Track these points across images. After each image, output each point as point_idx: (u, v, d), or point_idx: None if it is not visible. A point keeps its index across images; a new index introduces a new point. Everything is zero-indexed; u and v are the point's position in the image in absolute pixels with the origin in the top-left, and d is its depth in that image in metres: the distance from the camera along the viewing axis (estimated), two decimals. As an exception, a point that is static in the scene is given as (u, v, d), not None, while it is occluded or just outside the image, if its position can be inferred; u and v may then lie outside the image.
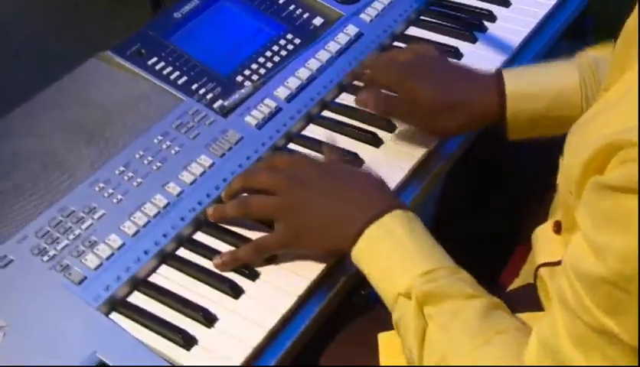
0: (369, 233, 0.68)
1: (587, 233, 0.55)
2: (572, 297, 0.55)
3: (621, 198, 0.51)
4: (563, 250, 0.69)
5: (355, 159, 0.82)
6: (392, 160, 0.83)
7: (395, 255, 0.67)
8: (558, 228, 0.73)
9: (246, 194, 0.75)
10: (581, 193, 0.57)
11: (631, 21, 0.65)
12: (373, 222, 0.68)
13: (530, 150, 0.96)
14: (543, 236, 0.75)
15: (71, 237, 0.71)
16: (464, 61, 0.95)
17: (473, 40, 0.98)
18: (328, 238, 0.71)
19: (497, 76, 0.81)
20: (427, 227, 0.70)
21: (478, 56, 0.96)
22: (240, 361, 0.64)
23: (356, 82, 0.91)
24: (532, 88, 0.80)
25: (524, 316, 0.73)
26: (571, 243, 0.58)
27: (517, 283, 0.83)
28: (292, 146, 0.85)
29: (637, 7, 0.64)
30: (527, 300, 0.74)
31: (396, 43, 0.99)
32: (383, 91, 0.84)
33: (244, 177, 0.76)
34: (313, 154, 0.81)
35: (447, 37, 0.99)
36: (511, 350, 0.60)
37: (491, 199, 1.03)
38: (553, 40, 1.04)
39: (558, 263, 0.70)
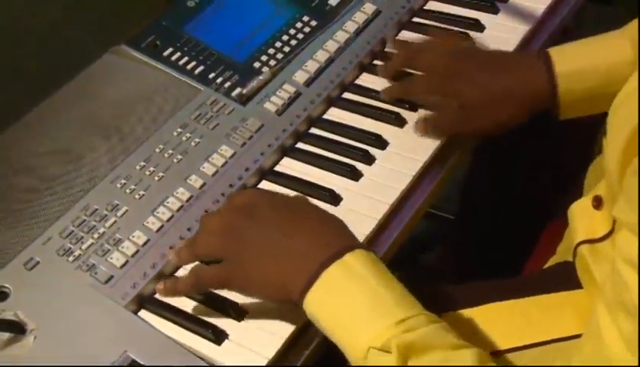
0: (327, 275, 0.59)
1: (629, 220, 0.50)
2: (627, 295, 0.49)
3: None
4: (605, 226, 0.67)
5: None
6: (417, 139, 0.81)
7: (361, 301, 0.58)
8: (598, 203, 0.70)
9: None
10: (622, 175, 0.54)
11: None
12: (333, 261, 0.59)
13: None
14: (581, 212, 0.72)
15: (95, 236, 0.70)
16: (486, 33, 0.93)
17: (495, 11, 0.95)
18: (273, 277, 0.61)
19: (545, 57, 0.77)
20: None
21: (500, 28, 0.93)
22: (271, 353, 0.63)
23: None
24: (583, 65, 0.76)
25: (561, 295, 0.71)
26: (617, 242, 0.53)
27: (553, 260, 0.80)
28: (313, 130, 0.83)
29: None
30: (563, 279, 0.71)
31: (415, 20, 0.96)
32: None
33: (201, 221, 0.68)
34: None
35: (467, 10, 0.96)
36: None
37: (518, 178, 1.01)
38: (577, 6, 1.00)
39: (600, 240, 0.67)
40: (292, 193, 0.76)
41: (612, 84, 0.75)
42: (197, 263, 0.68)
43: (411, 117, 0.83)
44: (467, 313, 0.70)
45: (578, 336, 0.66)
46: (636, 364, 0.49)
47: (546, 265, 0.80)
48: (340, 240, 0.62)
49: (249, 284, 0.64)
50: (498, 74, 0.78)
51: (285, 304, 0.63)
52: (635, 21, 0.78)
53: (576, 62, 0.76)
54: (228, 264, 0.64)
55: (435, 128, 0.80)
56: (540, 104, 0.77)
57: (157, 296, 0.68)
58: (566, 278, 0.71)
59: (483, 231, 1.12)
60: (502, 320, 0.65)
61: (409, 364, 0.56)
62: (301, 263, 0.61)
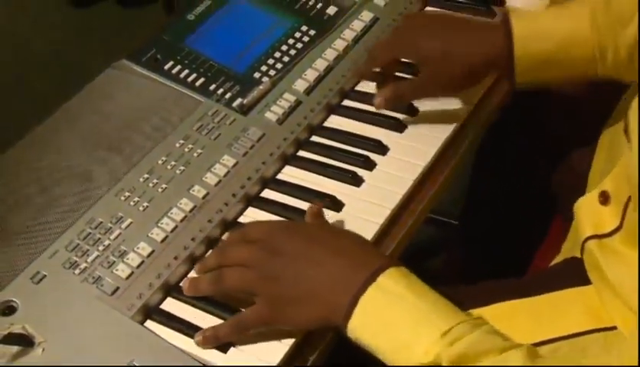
0: (365, 300, 0.60)
1: None
2: None
3: None
4: (612, 221, 0.67)
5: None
6: (417, 144, 0.82)
7: (403, 319, 0.60)
8: (605, 198, 0.70)
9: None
10: None
11: None
12: (368, 286, 0.61)
13: (560, 117, 0.94)
14: (587, 208, 0.73)
15: (101, 248, 0.71)
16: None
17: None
18: (315, 310, 0.63)
19: (504, 19, 0.78)
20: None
21: (497, 31, 0.93)
22: (277, 359, 0.64)
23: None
24: (541, 28, 0.77)
25: (569, 292, 0.71)
26: None
27: (558, 259, 0.81)
28: (314, 138, 0.84)
29: None
30: (571, 276, 0.72)
31: (413, 25, 0.97)
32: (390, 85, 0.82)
33: (218, 253, 0.69)
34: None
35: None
36: None
37: (523, 176, 1.01)
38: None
39: (608, 235, 0.68)
40: (294, 201, 0.77)
41: (568, 50, 0.77)
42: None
43: (411, 122, 0.84)
44: (476, 313, 0.70)
45: (589, 332, 0.67)
46: None
47: (552, 264, 0.80)
48: (370, 261, 0.63)
49: (292, 320, 0.64)
50: (458, 32, 0.80)
51: (324, 328, 0.65)
52: None
53: (534, 25, 0.78)
54: (265, 303, 0.65)
55: (395, 96, 0.81)
56: (497, 64, 0.79)
57: (163, 306, 0.69)
58: (573, 275, 0.71)
59: (487, 234, 1.12)
60: (511, 319, 0.65)
61: None
62: (338, 292, 0.62)
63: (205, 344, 0.65)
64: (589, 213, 0.71)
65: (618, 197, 0.67)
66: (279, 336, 0.65)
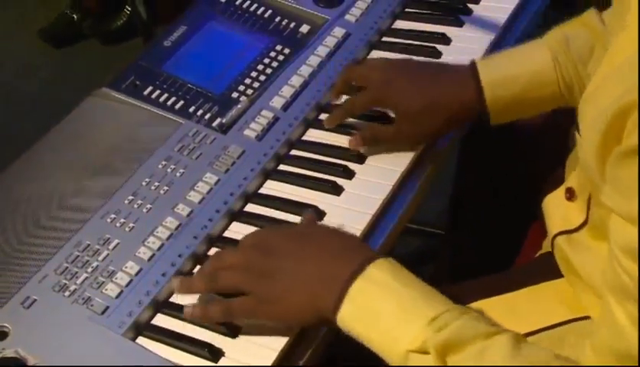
0: (354, 290, 0.62)
1: (623, 210, 0.53)
2: (630, 282, 0.52)
3: None
4: (579, 216, 0.69)
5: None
6: (394, 151, 0.84)
7: (391, 308, 0.61)
8: (571, 194, 0.72)
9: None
10: (603, 167, 0.55)
11: None
12: (356, 276, 0.62)
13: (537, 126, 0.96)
14: (554, 204, 0.75)
15: (89, 270, 0.72)
16: (452, 46, 0.96)
17: (459, 24, 0.99)
18: (305, 303, 0.64)
19: (472, 68, 0.81)
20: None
21: (466, 39, 0.97)
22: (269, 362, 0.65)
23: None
24: (506, 73, 0.81)
25: (545, 285, 0.73)
26: (610, 231, 0.55)
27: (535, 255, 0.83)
28: (293, 152, 0.86)
29: None
30: (546, 270, 0.74)
31: (384, 39, 1.00)
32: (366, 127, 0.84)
33: (215, 259, 0.70)
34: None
35: (434, 25, 1.00)
36: None
37: (505, 178, 1.03)
38: (539, 14, 1.04)
39: (575, 230, 0.70)
40: (277, 213, 0.79)
41: (535, 90, 0.80)
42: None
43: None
44: None
45: (566, 323, 0.69)
46: None
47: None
48: (358, 254, 0.65)
49: (282, 314, 0.66)
50: (429, 86, 0.82)
51: (324, 325, 0.66)
52: (554, 30, 0.83)
53: (500, 71, 0.81)
54: (255, 297, 0.66)
55: (372, 139, 0.83)
56: (470, 112, 0.81)
57: (153, 322, 0.70)
58: (548, 269, 0.73)
59: (474, 240, 1.14)
60: (491, 316, 0.66)
61: (448, 361, 0.58)
62: (327, 284, 0.63)
63: (192, 316, 0.67)
64: (557, 209, 0.73)
65: (582, 193, 0.69)
66: (268, 342, 0.67)
